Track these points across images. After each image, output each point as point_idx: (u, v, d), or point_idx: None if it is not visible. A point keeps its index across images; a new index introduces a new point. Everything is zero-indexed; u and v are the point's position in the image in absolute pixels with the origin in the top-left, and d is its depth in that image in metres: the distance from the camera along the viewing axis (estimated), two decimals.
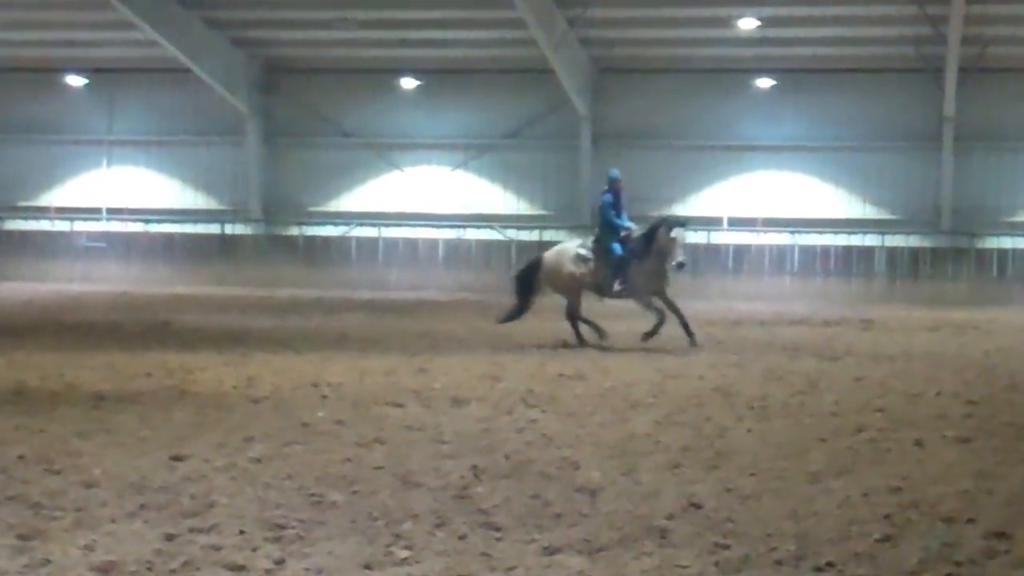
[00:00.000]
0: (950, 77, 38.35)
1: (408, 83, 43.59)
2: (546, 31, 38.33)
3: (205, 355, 17.35)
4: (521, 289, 20.95)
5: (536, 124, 42.66)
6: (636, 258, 19.78)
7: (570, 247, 20.91)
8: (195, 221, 44.69)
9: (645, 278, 19.79)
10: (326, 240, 43.79)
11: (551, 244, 41.76)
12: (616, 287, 20.02)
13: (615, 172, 20.82)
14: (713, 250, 40.91)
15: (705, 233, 40.90)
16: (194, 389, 13.69)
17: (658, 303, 19.90)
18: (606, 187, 20.59)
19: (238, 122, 44.12)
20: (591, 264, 20.23)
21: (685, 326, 19.62)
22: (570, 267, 20.40)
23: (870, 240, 40.37)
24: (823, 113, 40.97)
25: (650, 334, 19.53)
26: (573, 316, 20.41)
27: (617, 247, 19.93)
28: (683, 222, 20.26)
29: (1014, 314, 32.86)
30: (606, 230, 20.26)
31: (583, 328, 20.33)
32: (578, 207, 41.91)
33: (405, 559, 6.77)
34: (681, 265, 19.56)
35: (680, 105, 41.66)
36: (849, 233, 40.59)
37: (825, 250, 40.41)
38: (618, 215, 20.29)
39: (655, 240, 19.72)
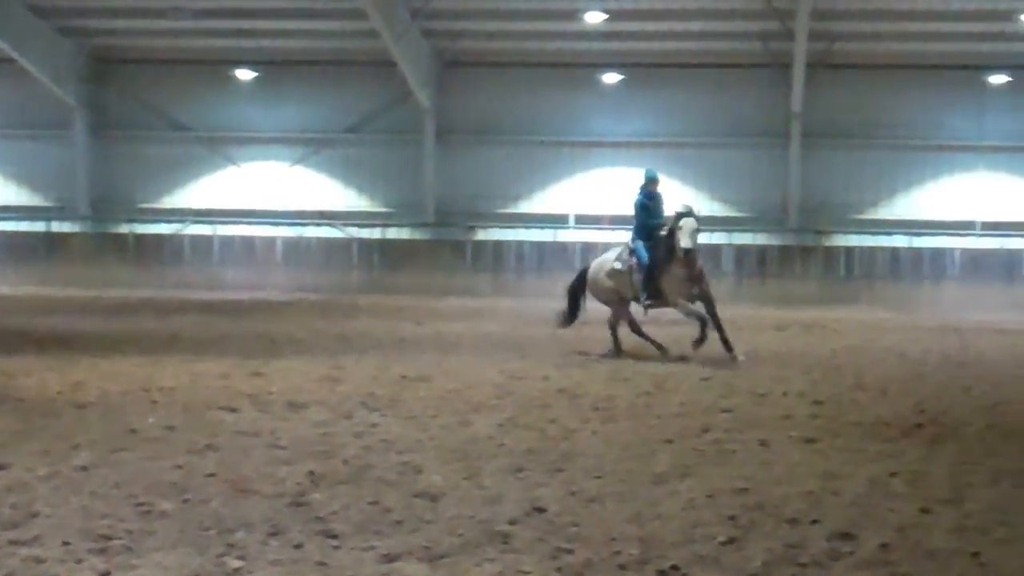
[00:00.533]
0: (797, 73, 38.44)
1: (244, 75, 42.65)
2: (388, 22, 37.64)
3: (29, 359, 17.04)
4: (571, 300, 20.29)
5: (378, 118, 41.88)
6: (666, 263, 18.79)
7: (609, 258, 20.01)
8: (19, 218, 43.21)
9: (676, 283, 18.82)
10: (158, 238, 42.65)
11: (394, 242, 42.36)
12: (645, 302, 19.18)
13: (652, 172, 19.77)
14: (560, 248, 40.44)
15: (552, 231, 40.57)
16: (16, 395, 13.41)
17: (698, 308, 18.87)
18: (643, 186, 19.47)
19: (65, 115, 42.71)
20: (625, 277, 19.39)
21: (724, 340, 18.58)
22: (607, 280, 19.72)
23: (717, 238, 40.08)
24: (670, 109, 40.78)
25: (699, 341, 18.38)
26: (614, 326, 19.66)
27: (644, 254, 18.96)
28: (691, 212, 18.84)
29: (861, 312, 33.86)
30: (637, 233, 19.28)
31: (624, 340, 19.43)
32: (422, 204, 41.37)
33: (238, 569, 6.69)
34: (687, 251, 18.33)
35: (526, 100, 41.22)
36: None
37: None
38: (656, 217, 19.21)
39: (674, 238, 18.63)
